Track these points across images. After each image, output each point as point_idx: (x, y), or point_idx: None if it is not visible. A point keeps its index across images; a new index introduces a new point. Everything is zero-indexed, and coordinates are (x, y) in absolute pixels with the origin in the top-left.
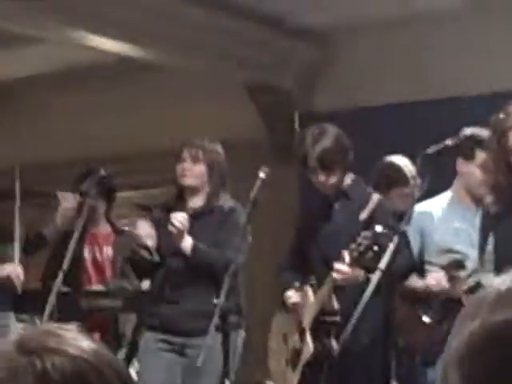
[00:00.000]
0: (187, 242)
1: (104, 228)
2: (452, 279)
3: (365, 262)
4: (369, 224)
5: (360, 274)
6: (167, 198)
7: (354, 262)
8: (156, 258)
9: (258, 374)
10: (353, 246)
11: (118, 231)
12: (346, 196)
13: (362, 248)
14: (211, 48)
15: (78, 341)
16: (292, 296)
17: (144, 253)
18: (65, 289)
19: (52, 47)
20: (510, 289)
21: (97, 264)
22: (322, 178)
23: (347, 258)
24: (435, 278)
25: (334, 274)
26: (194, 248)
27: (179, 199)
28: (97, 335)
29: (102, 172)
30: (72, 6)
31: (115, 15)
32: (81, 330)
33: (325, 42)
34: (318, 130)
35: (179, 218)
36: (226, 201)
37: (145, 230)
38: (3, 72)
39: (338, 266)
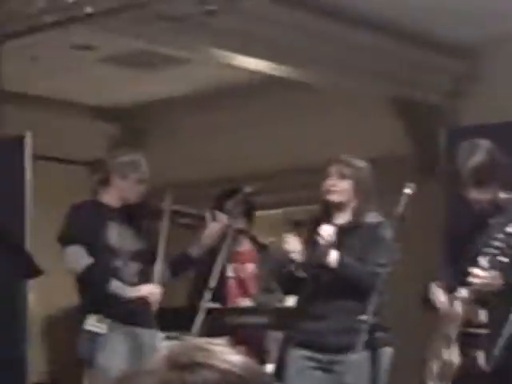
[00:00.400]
0: (333, 256)
1: (245, 245)
2: None
3: (502, 264)
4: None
5: (498, 277)
6: (313, 214)
7: (490, 266)
8: (302, 273)
9: None
10: (488, 249)
11: (261, 246)
12: (500, 211)
13: (497, 250)
14: (357, 66)
15: (227, 355)
16: (439, 293)
17: (290, 267)
18: (212, 305)
19: (196, 67)
20: None
21: (240, 281)
22: (474, 193)
23: (482, 261)
24: None
25: (471, 279)
26: (340, 262)
27: (325, 215)
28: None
29: (247, 189)
30: (218, 26)
31: (260, 34)
32: (229, 345)
33: (472, 57)
34: (470, 145)
35: (328, 230)
36: (373, 217)
37: (293, 246)
38: (150, 92)
39: (474, 270)
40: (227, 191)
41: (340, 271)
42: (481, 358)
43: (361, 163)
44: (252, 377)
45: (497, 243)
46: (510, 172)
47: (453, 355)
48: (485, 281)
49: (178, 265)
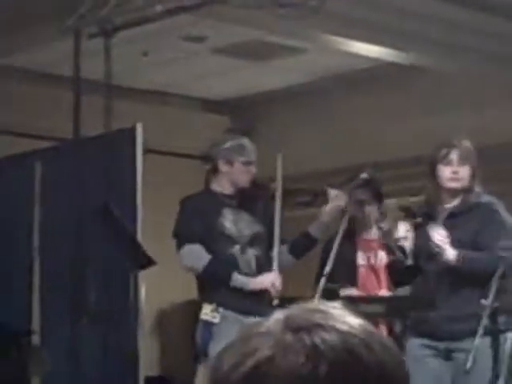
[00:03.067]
0: (451, 255)
1: (376, 233)
2: None
3: None
4: None
5: None
6: (425, 201)
7: None
8: (410, 261)
9: None
10: None
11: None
12: None
13: None
14: (475, 49)
15: (345, 317)
16: None
17: (399, 254)
18: (353, 292)
19: (310, 56)
20: None
21: (373, 269)
22: None
23: None
24: None
25: None
26: (461, 258)
27: (437, 202)
28: None
29: (364, 175)
30: (329, 12)
31: (376, 20)
32: (345, 309)
33: None
34: None
35: (439, 236)
36: (479, 196)
37: (402, 232)
38: (262, 84)
39: None
40: (348, 178)
41: (463, 267)
42: None
43: (473, 148)
44: (373, 339)
45: None
46: None
47: None
48: None
49: (299, 246)
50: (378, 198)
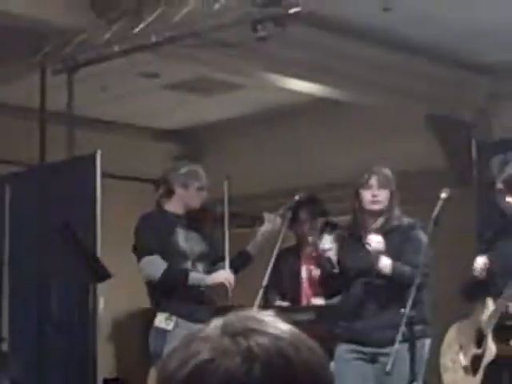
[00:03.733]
0: (386, 263)
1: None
2: None
3: None
4: None
5: None
6: (351, 221)
7: None
8: (336, 269)
9: None
10: None
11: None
12: None
13: None
14: (396, 86)
15: (276, 323)
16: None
17: (326, 264)
18: (281, 303)
19: (249, 92)
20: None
21: (312, 281)
22: (508, 199)
23: None
24: None
25: None
26: (394, 267)
27: (361, 222)
28: None
29: (296, 198)
30: (269, 52)
31: (309, 59)
32: (276, 316)
33: (500, 77)
34: (503, 158)
35: (376, 238)
36: (400, 218)
37: (327, 244)
38: (208, 115)
39: None
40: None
41: (394, 277)
42: None
43: (392, 173)
44: (300, 342)
45: None
46: None
47: (487, 347)
48: None
49: (238, 262)
50: (319, 215)
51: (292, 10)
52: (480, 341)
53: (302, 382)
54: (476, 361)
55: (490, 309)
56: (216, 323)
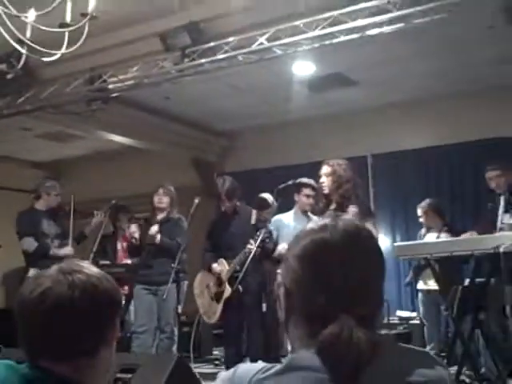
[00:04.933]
0: (158, 238)
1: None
2: None
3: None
4: (254, 226)
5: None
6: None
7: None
8: (138, 243)
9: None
10: (258, 236)
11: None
12: (237, 213)
13: (257, 237)
14: (173, 141)
15: (90, 268)
16: (216, 267)
17: (134, 240)
18: (106, 262)
19: (89, 140)
20: (322, 224)
21: (124, 250)
22: (226, 203)
23: (252, 241)
24: (283, 247)
25: (249, 246)
26: (161, 241)
27: (152, 215)
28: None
29: (113, 202)
30: (98, 117)
31: (120, 123)
32: (91, 264)
33: (231, 136)
34: (224, 179)
35: (154, 228)
36: (176, 214)
37: (134, 230)
38: (61, 154)
39: (249, 245)
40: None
41: (161, 245)
42: (240, 287)
43: (173, 188)
44: (103, 278)
45: (261, 234)
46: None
47: (225, 287)
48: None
49: (77, 239)
50: (127, 213)
51: (113, 95)
52: (220, 284)
53: (103, 299)
54: (218, 294)
55: (226, 266)
56: (55, 267)
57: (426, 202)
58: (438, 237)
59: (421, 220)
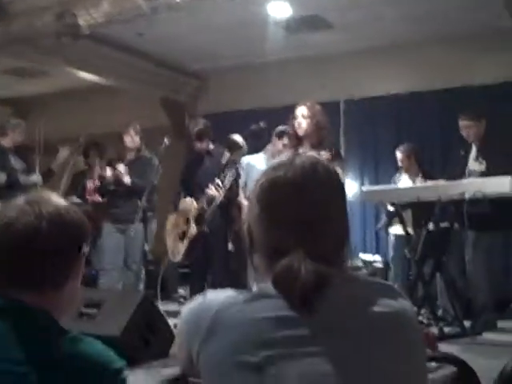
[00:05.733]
0: (127, 179)
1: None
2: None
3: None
4: (224, 167)
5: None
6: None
7: (217, 188)
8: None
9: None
10: (219, 179)
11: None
12: (210, 154)
13: (223, 177)
14: (144, 79)
15: (58, 199)
16: (185, 202)
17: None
18: (77, 200)
19: (56, 77)
20: (280, 163)
21: (94, 189)
22: (198, 144)
23: (218, 181)
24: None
25: (209, 191)
26: (132, 181)
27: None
28: None
29: (81, 139)
30: (66, 53)
31: (93, 58)
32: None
33: (204, 77)
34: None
35: (122, 167)
36: (145, 152)
37: (108, 172)
38: (27, 92)
39: (211, 187)
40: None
41: (132, 185)
42: (205, 227)
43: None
44: (70, 210)
45: (222, 177)
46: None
47: (190, 226)
48: (215, 193)
49: (45, 174)
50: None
51: (84, 32)
52: (187, 223)
53: (70, 230)
54: (184, 233)
55: (194, 205)
56: (22, 198)
57: (408, 146)
58: (413, 182)
59: (400, 164)
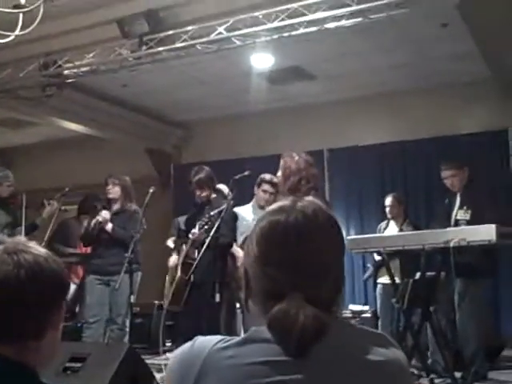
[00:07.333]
0: (109, 227)
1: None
2: None
3: (206, 230)
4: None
5: (201, 235)
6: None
7: (200, 229)
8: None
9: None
10: (201, 221)
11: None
12: (211, 203)
13: (204, 222)
14: (130, 131)
15: (37, 248)
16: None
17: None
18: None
19: (43, 127)
20: (281, 206)
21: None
22: (197, 192)
23: (197, 227)
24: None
25: (190, 235)
26: (113, 230)
27: (106, 205)
28: None
29: (67, 189)
30: (52, 104)
31: (77, 111)
32: (37, 244)
33: (188, 128)
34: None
35: (106, 214)
36: (132, 206)
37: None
38: (14, 142)
39: (193, 231)
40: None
41: (113, 234)
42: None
43: (125, 177)
44: (49, 258)
45: (204, 218)
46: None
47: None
48: (196, 237)
49: (28, 229)
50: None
51: (68, 81)
52: (176, 269)
53: (50, 280)
54: (173, 279)
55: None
56: (0, 247)
57: (397, 194)
58: (400, 230)
59: (387, 211)
